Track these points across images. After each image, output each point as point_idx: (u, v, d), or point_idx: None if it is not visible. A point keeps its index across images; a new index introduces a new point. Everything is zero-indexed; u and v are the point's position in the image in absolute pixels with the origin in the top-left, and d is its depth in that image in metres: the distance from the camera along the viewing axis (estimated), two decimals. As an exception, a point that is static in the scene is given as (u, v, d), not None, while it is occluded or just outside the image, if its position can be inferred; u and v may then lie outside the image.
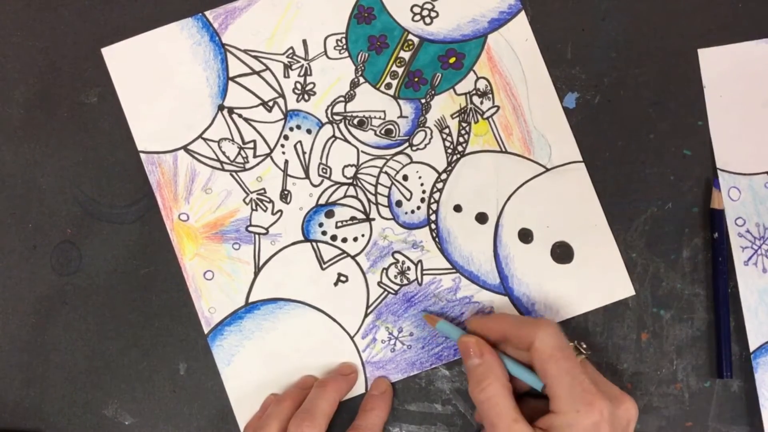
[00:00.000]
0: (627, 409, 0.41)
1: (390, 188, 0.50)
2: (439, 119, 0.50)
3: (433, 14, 0.51)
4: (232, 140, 0.50)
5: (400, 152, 0.50)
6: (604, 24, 0.50)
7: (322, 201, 0.50)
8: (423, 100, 0.50)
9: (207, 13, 0.51)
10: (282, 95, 0.50)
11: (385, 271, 0.49)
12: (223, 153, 0.50)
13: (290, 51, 0.51)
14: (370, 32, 0.51)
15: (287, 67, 0.50)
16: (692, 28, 0.50)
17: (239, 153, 0.50)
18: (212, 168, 0.50)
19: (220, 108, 0.50)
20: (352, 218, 0.50)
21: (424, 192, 0.50)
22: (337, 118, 0.50)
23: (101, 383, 0.49)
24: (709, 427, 0.47)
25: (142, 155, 0.50)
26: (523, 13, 0.50)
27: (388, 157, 0.50)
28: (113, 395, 0.49)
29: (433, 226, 0.49)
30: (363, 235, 0.49)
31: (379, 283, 0.49)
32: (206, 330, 0.49)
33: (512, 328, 0.43)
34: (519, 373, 0.43)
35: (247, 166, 0.50)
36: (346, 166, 0.50)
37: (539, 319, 0.44)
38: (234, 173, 0.50)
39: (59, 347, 0.49)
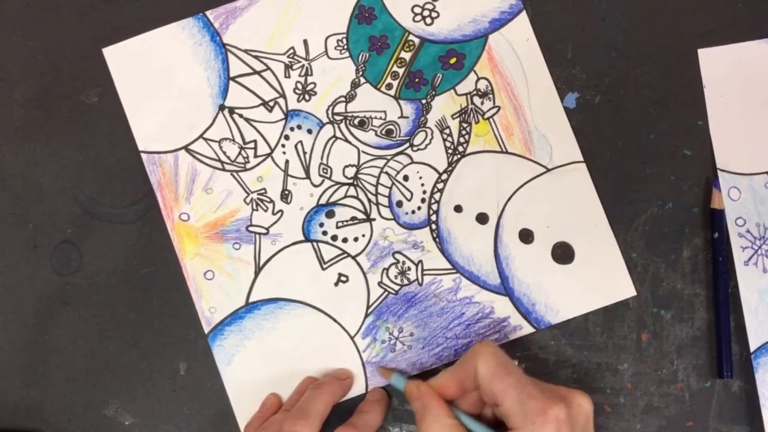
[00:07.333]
0: (580, 405, 0.39)
1: (390, 188, 0.50)
2: (439, 119, 0.50)
3: (434, 14, 0.51)
4: (233, 140, 0.50)
5: (401, 152, 0.50)
6: (604, 24, 0.50)
7: (322, 201, 0.50)
8: (424, 101, 0.50)
9: (208, 13, 0.51)
10: (283, 95, 0.50)
11: (385, 271, 0.49)
12: (224, 153, 0.50)
13: (291, 51, 0.51)
14: (370, 32, 0.51)
15: (288, 67, 0.50)
16: (692, 28, 0.50)
17: (240, 153, 0.50)
18: (213, 168, 0.50)
19: (221, 108, 0.50)
20: (353, 218, 0.50)
21: (424, 192, 0.50)
22: (337, 118, 0.50)
23: (101, 383, 0.49)
24: (709, 427, 0.47)
25: (142, 155, 0.50)
26: (524, 12, 0.50)
27: (388, 158, 0.50)
28: (113, 395, 0.49)
29: (433, 226, 0.49)
30: (363, 236, 0.49)
31: (380, 284, 0.49)
32: (206, 330, 0.49)
33: (458, 373, 0.42)
34: (472, 426, 0.41)
35: (248, 166, 0.50)
36: (346, 167, 0.50)
37: (475, 347, 0.42)
38: (235, 173, 0.50)
39: (59, 347, 0.49)
